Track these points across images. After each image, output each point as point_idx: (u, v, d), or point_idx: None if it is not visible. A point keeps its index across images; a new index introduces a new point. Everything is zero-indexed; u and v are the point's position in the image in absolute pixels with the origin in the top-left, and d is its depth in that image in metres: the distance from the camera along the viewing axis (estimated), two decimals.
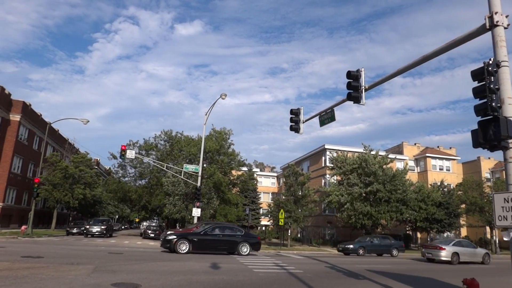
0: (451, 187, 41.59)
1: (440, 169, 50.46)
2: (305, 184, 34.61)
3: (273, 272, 13.46)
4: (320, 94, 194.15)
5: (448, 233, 42.28)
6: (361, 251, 27.45)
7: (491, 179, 50.45)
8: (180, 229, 28.30)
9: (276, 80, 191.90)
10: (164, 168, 34.75)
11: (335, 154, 39.16)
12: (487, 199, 39.15)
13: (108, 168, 50.06)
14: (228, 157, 39.88)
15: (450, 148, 56.54)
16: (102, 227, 34.09)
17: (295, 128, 14.94)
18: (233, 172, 44.06)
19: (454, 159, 52.64)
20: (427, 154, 50.96)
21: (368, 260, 22.39)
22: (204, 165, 34.02)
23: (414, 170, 51.20)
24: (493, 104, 6.89)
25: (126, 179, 45.07)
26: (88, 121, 33.36)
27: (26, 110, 38.85)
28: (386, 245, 28.78)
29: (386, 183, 34.00)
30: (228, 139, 40.56)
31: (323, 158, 46.35)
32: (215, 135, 39.51)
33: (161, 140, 42.84)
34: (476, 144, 7.22)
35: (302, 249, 31.25)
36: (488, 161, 55.46)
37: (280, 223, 30.99)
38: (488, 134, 6.94)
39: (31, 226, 28.56)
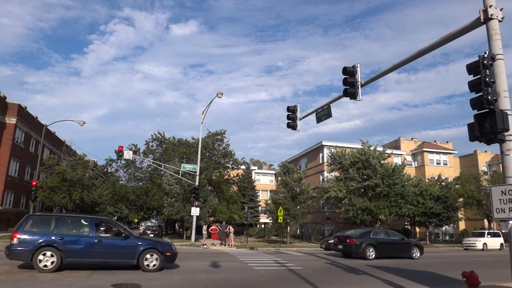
0: (449, 181, 41.74)
1: (437, 163, 50.61)
2: (302, 180, 34.69)
3: (273, 269, 13.49)
4: (316, 92, 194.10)
5: (447, 226, 42.50)
6: None
7: (488, 172, 50.66)
8: None
9: (272, 78, 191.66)
10: (163, 168, 34.71)
11: (333, 150, 39.22)
12: (484, 192, 39.33)
13: (105, 170, 49.86)
14: (225, 157, 40.23)
15: (447, 142, 56.71)
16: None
17: (292, 125, 14.94)
18: (231, 172, 44.25)
19: (451, 153, 52.81)
20: (424, 149, 51.10)
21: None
22: (201, 164, 34.11)
23: (411, 164, 51.33)
24: (489, 97, 6.88)
25: (122, 181, 45.08)
26: (85, 123, 33.28)
27: (22, 113, 38.60)
28: None
29: (385, 178, 34.10)
30: (224, 135, 40.74)
31: (321, 154, 46.36)
32: (210, 136, 40.48)
33: (156, 141, 43.17)
34: (472, 137, 7.22)
35: (302, 246, 31.30)
36: (484, 155, 55.68)
37: (279, 221, 31.03)
38: (484, 127, 6.95)
39: None
